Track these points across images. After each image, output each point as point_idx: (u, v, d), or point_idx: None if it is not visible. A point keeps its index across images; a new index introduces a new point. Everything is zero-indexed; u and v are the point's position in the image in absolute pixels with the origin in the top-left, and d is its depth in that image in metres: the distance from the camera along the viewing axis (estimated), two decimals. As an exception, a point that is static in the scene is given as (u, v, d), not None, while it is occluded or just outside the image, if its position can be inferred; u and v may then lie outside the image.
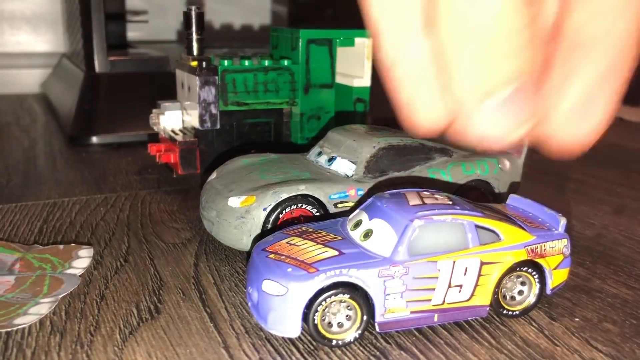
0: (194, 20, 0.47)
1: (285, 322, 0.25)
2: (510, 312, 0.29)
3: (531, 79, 0.19)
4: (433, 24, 0.19)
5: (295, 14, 1.03)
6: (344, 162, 0.36)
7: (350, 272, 0.25)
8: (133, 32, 0.95)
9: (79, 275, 0.32)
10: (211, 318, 0.28)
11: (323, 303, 0.25)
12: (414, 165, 0.37)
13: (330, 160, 0.37)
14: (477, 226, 0.27)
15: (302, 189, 0.33)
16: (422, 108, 0.21)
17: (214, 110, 0.45)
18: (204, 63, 0.44)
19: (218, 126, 0.46)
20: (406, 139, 0.37)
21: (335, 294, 0.25)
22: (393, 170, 0.36)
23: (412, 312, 0.27)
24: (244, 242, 0.33)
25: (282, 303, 0.25)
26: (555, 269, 0.29)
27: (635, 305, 0.30)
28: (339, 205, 0.34)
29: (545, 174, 0.55)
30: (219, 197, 0.35)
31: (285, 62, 0.47)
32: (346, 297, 0.25)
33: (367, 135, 0.37)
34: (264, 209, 0.33)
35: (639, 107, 0.89)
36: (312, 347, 0.26)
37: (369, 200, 0.29)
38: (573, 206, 0.46)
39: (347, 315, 0.26)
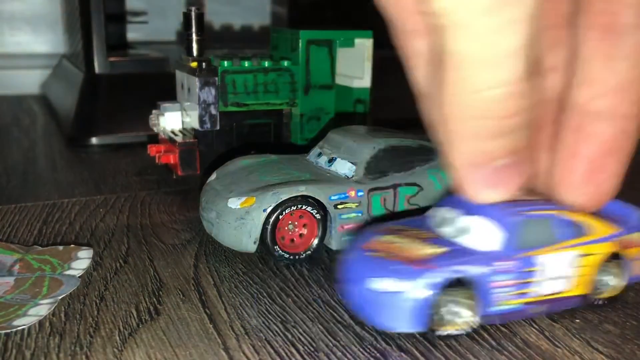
0: (193, 21, 0.47)
1: (402, 318, 0.26)
2: (600, 301, 0.30)
3: (525, 155, 0.22)
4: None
5: (295, 15, 1.02)
6: (344, 163, 0.36)
7: (465, 267, 0.26)
8: (133, 33, 0.94)
9: (79, 277, 0.32)
10: (211, 319, 0.28)
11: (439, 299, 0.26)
12: (414, 166, 0.37)
13: (331, 161, 0.37)
14: (568, 221, 0.28)
15: (302, 190, 0.33)
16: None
17: (213, 111, 0.45)
18: (203, 64, 0.44)
19: (218, 127, 0.45)
20: (406, 140, 0.37)
21: (450, 290, 0.26)
22: (393, 171, 0.36)
23: (516, 304, 0.28)
24: (243, 243, 0.33)
25: (398, 300, 0.26)
26: (634, 259, 0.31)
27: (636, 306, 0.30)
28: (339, 207, 0.34)
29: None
30: (218, 198, 0.35)
31: (285, 63, 0.47)
32: (460, 292, 0.26)
33: (367, 136, 0.37)
34: (264, 210, 0.33)
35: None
36: (312, 349, 0.26)
37: (452, 197, 0.29)
38: (573, 207, 0.46)
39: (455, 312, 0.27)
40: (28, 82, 0.96)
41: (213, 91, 0.44)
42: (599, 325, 0.28)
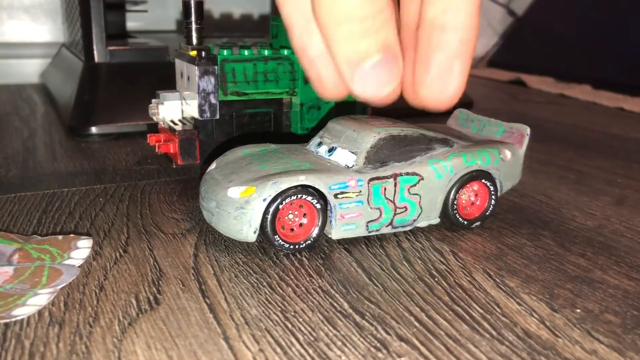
0: (193, 10, 0.46)
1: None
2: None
3: (394, 52, 0.26)
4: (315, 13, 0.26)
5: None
6: (344, 152, 0.36)
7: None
8: (132, 22, 0.94)
9: (78, 266, 0.32)
10: (211, 309, 0.28)
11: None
12: (414, 156, 0.37)
13: (331, 150, 0.37)
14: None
15: (302, 180, 0.33)
16: (326, 81, 0.29)
17: (213, 100, 0.45)
18: (203, 52, 0.44)
19: (217, 116, 0.45)
20: (407, 130, 0.37)
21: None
22: (393, 160, 0.36)
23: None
24: (243, 233, 0.33)
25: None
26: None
27: (637, 296, 0.30)
28: (339, 196, 0.34)
29: (546, 164, 0.55)
30: (218, 187, 0.35)
31: (285, 52, 0.47)
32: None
33: (368, 125, 0.37)
34: (264, 200, 0.33)
35: (641, 98, 0.89)
36: (312, 338, 0.26)
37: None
38: (574, 197, 0.46)
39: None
40: (27, 71, 0.95)
41: (212, 80, 0.44)
42: (599, 315, 0.28)
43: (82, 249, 0.34)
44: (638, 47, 1.01)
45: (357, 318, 0.28)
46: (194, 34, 0.47)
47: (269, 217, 0.33)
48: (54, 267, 0.32)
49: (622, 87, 0.94)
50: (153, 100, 0.49)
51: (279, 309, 0.28)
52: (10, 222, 0.38)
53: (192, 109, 0.46)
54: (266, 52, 0.46)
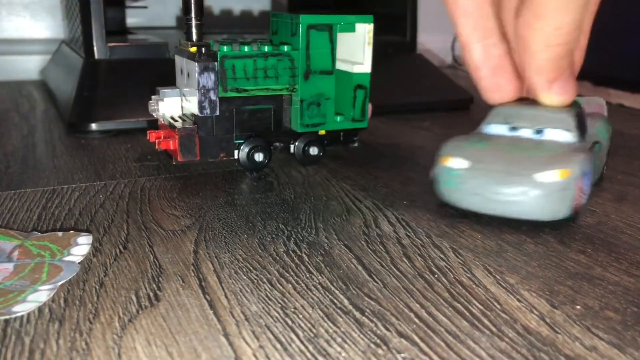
0: (193, 6, 0.46)
1: None
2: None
3: (571, 73, 0.38)
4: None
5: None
6: (558, 131, 0.39)
7: None
8: (132, 18, 0.94)
9: (78, 263, 0.32)
10: (211, 305, 0.28)
11: None
12: (589, 127, 0.42)
13: (539, 132, 0.39)
14: None
15: (587, 158, 0.38)
16: (503, 88, 0.40)
17: (213, 97, 0.44)
18: (203, 49, 0.44)
19: (217, 113, 0.45)
20: (576, 104, 0.41)
21: None
22: (588, 132, 0.41)
23: None
24: (561, 212, 0.37)
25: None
26: None
27: (637, 293, 0.30)
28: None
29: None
30: (514, 176, 0.36)
31: (285, 48, 0.46)
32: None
33: (546, 106, 0.39)
34: (576, 178, 0.36)
35: (641, 94, 0.89)
36: (312, 335, 0.26)
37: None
38: (574, 193, 0.46)
39: None
40: (27, 67, 0.95)
41: (212, 76, 0.44)
42: (599, 312, 0.28)
43: (82, 245, 0.34)
44: (639, 44, 1.00)
45: (357, 314, 0.28)
46: (194, 30, 0.47)
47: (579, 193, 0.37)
48: (54, 263, 0.32)
49: (623, 84, 0.94)
50: (153, 97, 0.49)
51: (279, 305, 0.28)
52: (10, 218, 0.38)
53: (192, 105, 0.46)
54: (266, 49, 0.46)
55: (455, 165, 0.39)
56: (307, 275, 0.32)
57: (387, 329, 0.27)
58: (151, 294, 0.29)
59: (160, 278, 0.31)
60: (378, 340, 0.26)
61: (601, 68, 1.02)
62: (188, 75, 0.46)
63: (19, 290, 0.29)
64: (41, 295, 0.28)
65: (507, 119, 0.41)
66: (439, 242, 0.36)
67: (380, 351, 0.25)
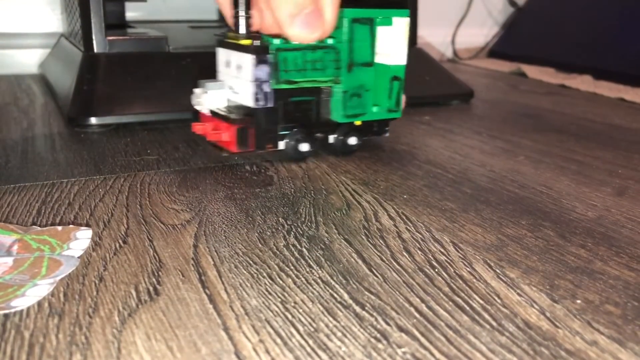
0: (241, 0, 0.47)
1: None
2: None
3: (316, 8, 0.43)
4: None
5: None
6: None
7: None
8: (132, 12, 0.94)
9: (78, 257, 0.32)
10: (211, 300, 0.28)
11: None
12: None
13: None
14: None
15: None
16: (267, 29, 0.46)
17: (267, 89, 0.46)
18: (257, 42, 0.45)
19: (271, 104, 0.46)
20: None
21: None
22: None
23: None
24: None
25: None
26: None
27: (637, 287, 0.30)
28: None
29: (546, 155, 0.55)
30: None
31: (331, 41, 0.47)
32: None
33: None
34: None
35: (642, 88, 0.88)
36: (312, 329, 0.26)
37: None
38: (574, 188, 0.46)
39: None
40: (26, 61, 0.95)
41: (267, 69, 0.45)
42: (600, 306, 0.28)
43: (82, 239, 0.34)
44: (639, 38, 1.00)
45: (357, 309, 0.28)
46: (243, 23, 0.47)
47: None
48: (53, 257, 0.31)
49: (623, 78, 0.94)
50: (195, 90, 0.49)
51: (279, 299, 0.28)
52: (10, 212, 0.38)
53: (241, 97, 0.47)
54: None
55: None
56: (307, 270, 0.32)
57: (387, 324, 0.27)
58: (151, 288, 0.29)
59: (160, 272, 0.31)
60: (378, 335, 0.26)
61: (601, 62, 1.01)
62: (238, 67, 0.47)
63: (18, 284, 0.29)
64: (41, 289, 0.28)
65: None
66: (439, 236, 0.36)
67: (380, 345, 0.25)
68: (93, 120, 0.60)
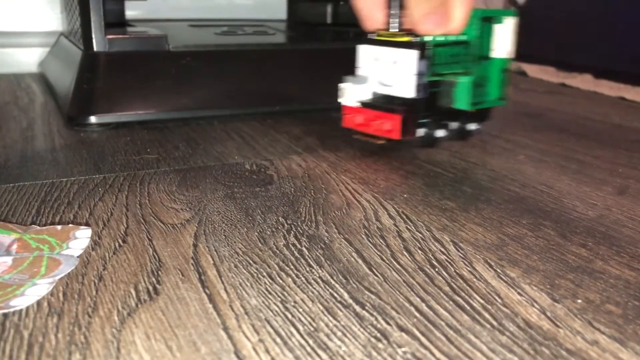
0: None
1: None
2: None
3: (444, 10, 0.48)
4: None
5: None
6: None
7: None
8: (131, 11, 0.93)
9: (77, 256, 0.32)
10: (210, 299, 0.28)
11: None
12: None
13: None
14: None
15: None
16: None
17: (425, 81, 0.50)
18: (417, 38, 0.50)
19: (426, 95, 0.50)
20: None
21: None
22: None
23: None
24: None
25: None
26: None
27: (638, 286, 0.30)
28: None
29: (546, 154, 0.55)
30: None
31: (466, 37, 0.53)
32: None
33: None
34: None
35: (642, 87, 0.88)
36: (312, 329, 0.26)
37: None
38: (575, 187, 0.45)
39: None
40: (26, 60, 0.95)
41: (427, 62, 0.49)
42: (601, 306, 0.28)
43: (81, 239, 0.34)
44: (639, 37, 1.00)
45: (358, 308, 0.28)
46: (396, 22, 0.51)
47: None
48: (52, 257, 0.31)
49: (624, 77, 0.94)
50: (341, 85, 0.54)
51: (279, 299, 0.28)
52: (9, 211, 0.38)
53: (396, 89, 0.51)
54: (453, 38, 0.52)
55: None
56: (307, 269, 0.31)
57: (388, 323, 0.27)
58: (150, 288, 0.29)
59: (159, 272, 0.31)
60: (378, 334, 0.26)
61: (602, 61, 1.01)
62: (394, 62, 0.51)
63: (17, 284, 0.29)
64: (40, 289, 0.28)
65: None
66: (439, 236, 0.36)
67: (380, 345, 0.25)
68: (93, 119, 0.60)
